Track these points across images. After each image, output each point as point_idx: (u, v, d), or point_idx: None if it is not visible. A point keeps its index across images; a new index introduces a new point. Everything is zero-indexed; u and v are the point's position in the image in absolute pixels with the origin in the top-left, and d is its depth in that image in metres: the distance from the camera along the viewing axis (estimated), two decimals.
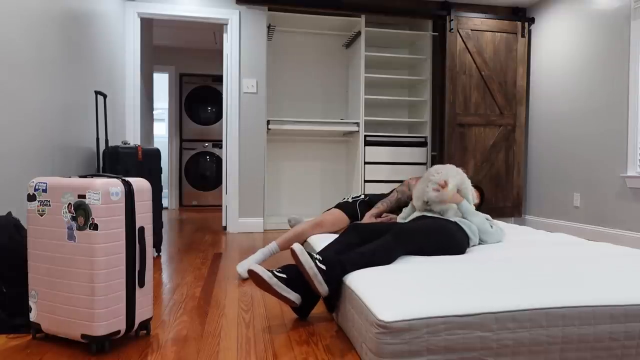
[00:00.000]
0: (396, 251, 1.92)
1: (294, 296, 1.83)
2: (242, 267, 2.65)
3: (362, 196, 2.99)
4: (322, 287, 1.75)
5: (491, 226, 2.41)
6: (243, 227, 4.58)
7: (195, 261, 3.12)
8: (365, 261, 1.83)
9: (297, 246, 1.76)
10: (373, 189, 4.81)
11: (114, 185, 1.56)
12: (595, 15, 4.25)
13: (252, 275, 1.79)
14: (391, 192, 2.91)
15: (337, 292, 1.83)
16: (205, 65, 7.22)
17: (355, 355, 1.56)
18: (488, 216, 2.49)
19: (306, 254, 1.75)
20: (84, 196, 1.53)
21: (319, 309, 2.07)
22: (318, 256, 1.80)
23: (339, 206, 2.91)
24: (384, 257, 1.87)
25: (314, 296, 1.90)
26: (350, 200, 2.96)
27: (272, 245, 2.70)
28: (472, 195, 2.47)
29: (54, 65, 2.81)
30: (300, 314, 1.95)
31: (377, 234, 2.07)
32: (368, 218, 2.76)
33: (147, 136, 5.53)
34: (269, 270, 1.81)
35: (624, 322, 1.45)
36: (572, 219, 4.52)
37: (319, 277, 1.74)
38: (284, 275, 1.83)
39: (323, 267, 1.76)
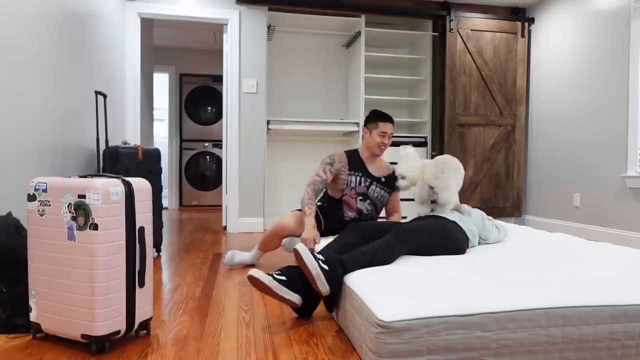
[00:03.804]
0: (397, 251, 1.92)
1: (295, 297, 1.83)
2: (230, 258, 2.90)
3: None
4: (324, 288, 1.75)
5: (496, 227, 2.44)
6: (243, 227, 4.58)
7: (195, 261, 3.12)
8: (366, 261, 1.83)
9: (300, 247, 1.76)
10: None
11: (114, 185, 1.56)
12: (595, 15, 4.25)
13: (252, 280, 1.80)
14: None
15: (337, 291, 1.83)
16: (205, 65, 7.22)
17: (356, 355, 1.56)
18: (483, 213, 2.49)
19: (310, 254, 1.75)
20: (84, 196, 1.53)
21: (319, 308, 2.07)
22: (321, 256, 1.80)
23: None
24: (385, 257, 1.88)
25: (316, 295, 1.90)
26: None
27: (255, 252, 2.92)
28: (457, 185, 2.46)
29: (54, 65, 2.80)
30: (303, 314, 1.95)
31: (378, 233, 2.07)
32: (311, 230, 2.45)
33: (147, 136, 5.53)
34: (268, 274, 1.81)
35: (624, 322, 1.45)
36: (572, 219, 4.52)
37: (322, 277, 1.74)
38: (284, 278, 1.84)
39: (326, 267, 1.76)
